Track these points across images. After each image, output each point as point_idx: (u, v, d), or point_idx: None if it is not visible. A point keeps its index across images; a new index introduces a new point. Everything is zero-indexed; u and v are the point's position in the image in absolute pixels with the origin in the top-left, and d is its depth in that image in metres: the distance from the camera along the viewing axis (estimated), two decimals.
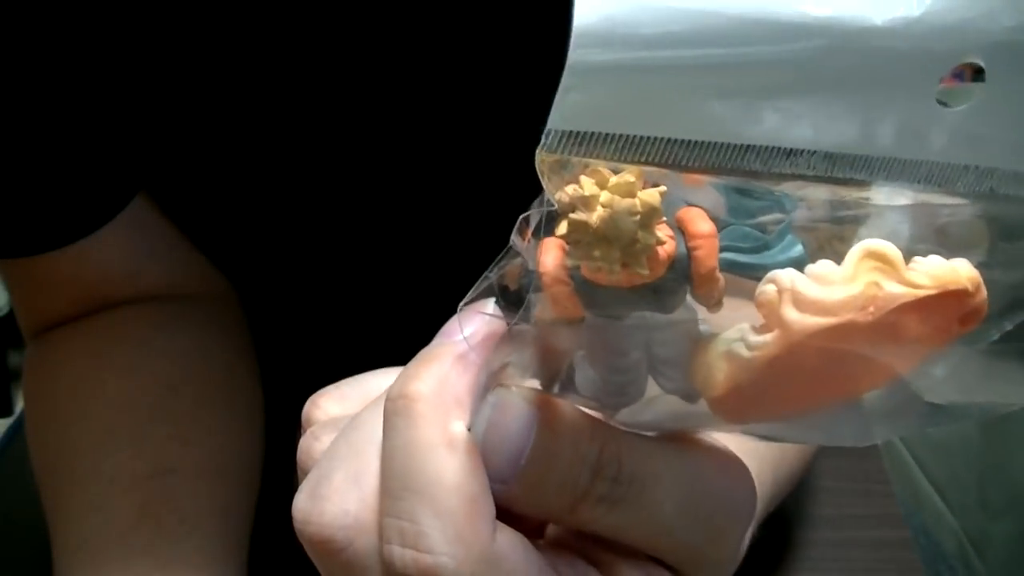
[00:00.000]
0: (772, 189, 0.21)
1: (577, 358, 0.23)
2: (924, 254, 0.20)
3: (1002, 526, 1.20)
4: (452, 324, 0.24)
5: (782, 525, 0.56)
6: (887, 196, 0.21)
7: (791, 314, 0.20)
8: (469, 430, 0.23)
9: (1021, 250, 0.21)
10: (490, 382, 0.24)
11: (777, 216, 0.21)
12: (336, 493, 0.24)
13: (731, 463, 0.25)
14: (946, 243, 0.21)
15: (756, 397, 0.21)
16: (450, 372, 0.24)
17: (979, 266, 0.20)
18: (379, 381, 0.28)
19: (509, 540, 0.23)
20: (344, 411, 0.27)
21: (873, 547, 0.55)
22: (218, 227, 0.52)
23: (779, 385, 0.21)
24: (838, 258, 0.20)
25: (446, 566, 0.22)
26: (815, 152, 0.19)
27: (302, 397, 0.29)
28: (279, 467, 0.26)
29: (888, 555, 0.55)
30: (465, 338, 0.24)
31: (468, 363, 0.24)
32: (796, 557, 0.54)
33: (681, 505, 0.24)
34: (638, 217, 0.19)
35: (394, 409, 0.23)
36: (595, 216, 0.19)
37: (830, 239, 0.21)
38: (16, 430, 0.67)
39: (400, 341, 0.28)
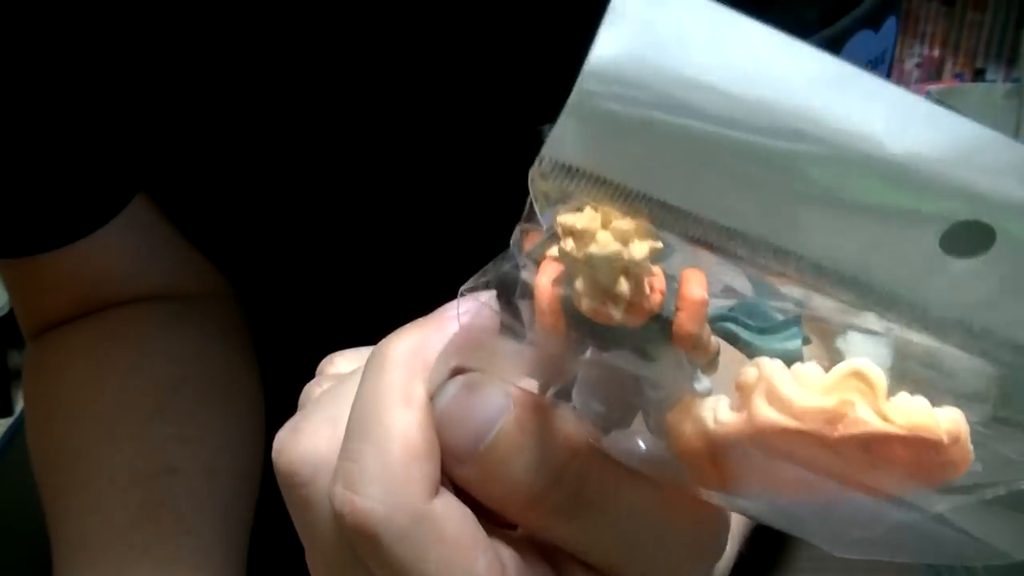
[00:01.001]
0: (773, 285, 0.20)
1: (577, 367, 0.23)
2: (926, 390, 0.20)
3: None
4: (450, 304, 0.25)
5: None
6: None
7: (760, 404, 0.20)
8: (432, 398, 0.24)
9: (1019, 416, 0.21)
10: (465, 363, 0.24)
11: (793, 306, 0.21)
12: (311, 430, 0.25)
13: (703, 504, 0.25)
14: (951, 387, 0.20)
15: (717, 468, 0.22)
16: (429, 338, 0.24)
17: (980, 422, 0.20)
18: None
19: (449, 506, 0.23)
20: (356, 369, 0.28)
21: None
22: (218, 227, 0.52)
23: (740, 467, 0.21)
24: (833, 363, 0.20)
25: (376, 513, 0.23)
26: (802, 257, 0.19)
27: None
28: None
29: None
30: (456, 315, 0.24)
31: (448, 335, 0.24)
32: (796, 557, 0.54)
33: (642, 536, 0.24)
34: (619, 265, 0.20)
35: (370, 364, 0.24)
36: (582, 252, 0.20)
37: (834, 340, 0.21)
38: (16, 430, 0.67)
39: None
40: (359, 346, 0.31)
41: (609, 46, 0.18)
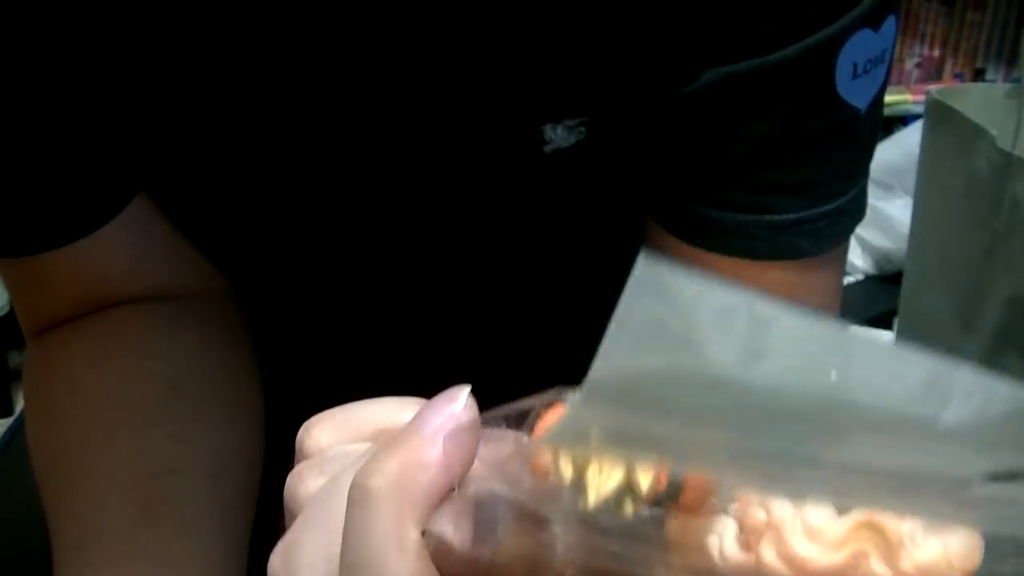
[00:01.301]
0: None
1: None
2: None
3: None
4: (425, 411, 0.25)
5: None
6: None
7: (768, 554, 0.19)
8: (424, 532, 0.24)
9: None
10: (453, 482, 0.24)
11: None
12: (306, 563, 0.25)
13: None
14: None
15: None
16: (410, 470, 0.24)
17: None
18: (373, 412, 0.28)
19: None
20: (336, 440, 0.28)
21: None
22: (219, 228, 0.52)
23: None
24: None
25: None
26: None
27: (303, 397, 0.29)
28: (279, 467, 0.26)
29: None
30: (432, 436, 0.24)
31: (430, 462, 0.24)
32: None
33: None
34: (625, 494, 0.20)
35: (354, 499, 0.24)
36: (582, 493, 0.20)
37: None
38: (16, 430, 0.67)
39: (400, 345, 0.28)
40: (357, 348, 0.31)
41: (618, 348, 0.16)
